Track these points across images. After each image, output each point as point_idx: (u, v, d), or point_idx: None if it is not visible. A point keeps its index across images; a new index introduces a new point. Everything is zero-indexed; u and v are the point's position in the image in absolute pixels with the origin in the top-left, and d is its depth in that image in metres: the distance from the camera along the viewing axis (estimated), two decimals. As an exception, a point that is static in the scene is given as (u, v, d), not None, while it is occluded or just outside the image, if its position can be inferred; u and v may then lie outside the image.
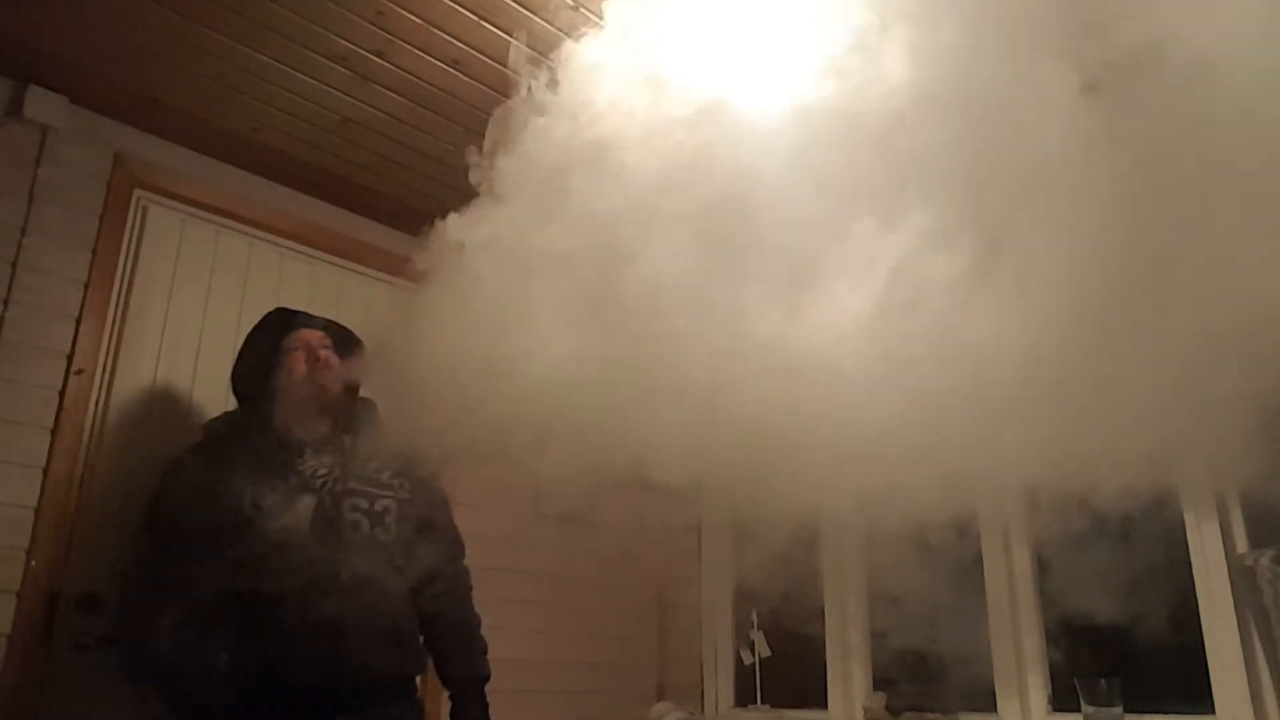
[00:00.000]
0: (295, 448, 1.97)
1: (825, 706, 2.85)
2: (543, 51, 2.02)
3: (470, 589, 2.17)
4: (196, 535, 1.85)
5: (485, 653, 2.11)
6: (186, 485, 1.94)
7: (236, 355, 2.12)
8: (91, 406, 2.22)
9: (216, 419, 2.10)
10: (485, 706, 2.06)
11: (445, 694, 2.13)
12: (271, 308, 2.21)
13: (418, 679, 2.09)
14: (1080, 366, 1.29)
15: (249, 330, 2.15)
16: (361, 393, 2.09)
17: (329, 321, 2.15)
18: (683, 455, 1.46)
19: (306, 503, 1.91)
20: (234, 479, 1.88)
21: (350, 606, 1.85)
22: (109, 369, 2.27)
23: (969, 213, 1.34)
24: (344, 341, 2.09)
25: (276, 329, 2.09)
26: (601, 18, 1.95)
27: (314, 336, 2.06)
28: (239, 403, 2.09)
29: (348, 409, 2.05)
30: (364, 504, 1.96)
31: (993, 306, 1.31)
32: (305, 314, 2.15)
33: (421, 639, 2.08)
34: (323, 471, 1.96)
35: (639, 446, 1.45)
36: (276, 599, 1.80)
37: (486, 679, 2.09)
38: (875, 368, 1.35)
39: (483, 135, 1.70)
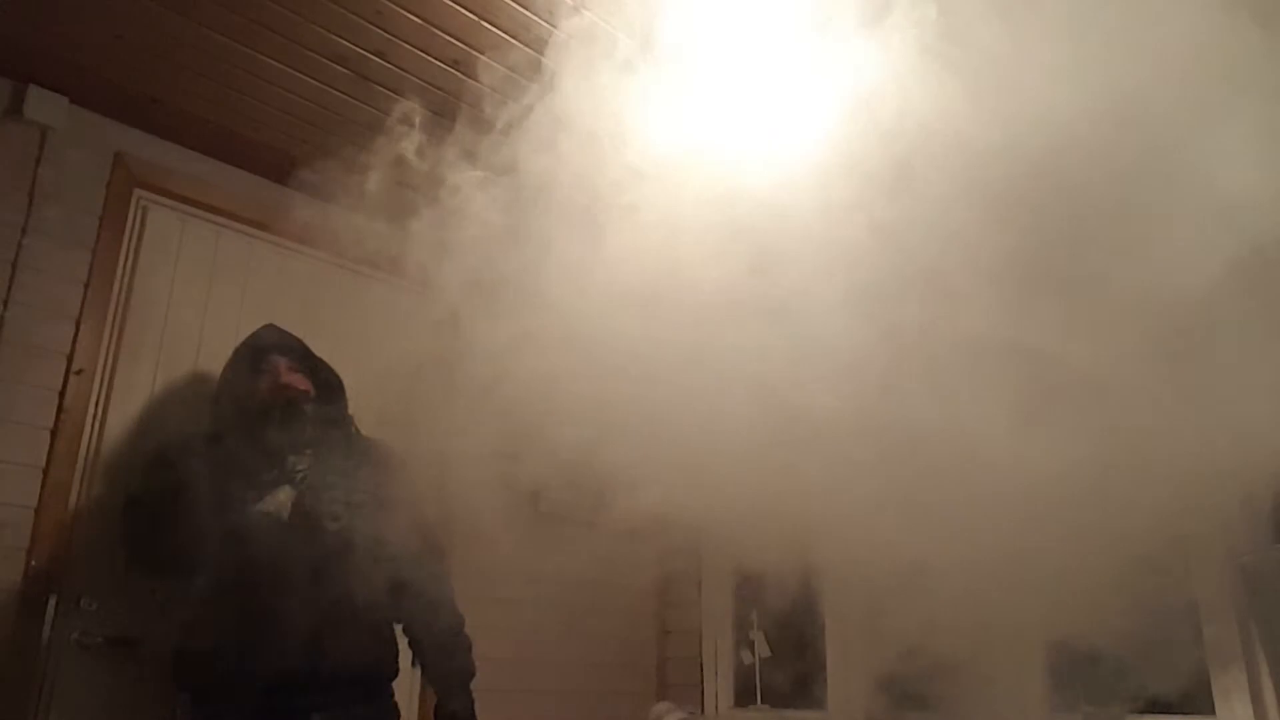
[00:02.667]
0: (274, 449, 2.01)
1: (825, 706, 2.85)
2: (542, 51, 2.02)
3: (451, 588, 2.18)
4: (177, 524, 1.89)
5: (470, 650, 2.12)
6: (168, 475, 1.98)
7: (220, 376, 2.18)
8: (91, 406, 2.23)
9: (194, 432, 2.14)
10: (471, 704, 2.07)
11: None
12: (271, 307, 2.23)
13: (409, 681, 2.10)
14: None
15: (237, 345, 2.20)
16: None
17: (310, 352, 2.21)
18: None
19: (285, 494, 1.97)
20: (214, 472, 1.92)
21: (327, 598, 1.88)
22: (109, 369, 2.27)
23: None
24: (310, 364, 2.17)
25: (253, 351, 2.16)
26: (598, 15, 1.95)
27: (281, 362, 2.12)
28: (216, 418, 2.15)
29: (318, 422, 2.09)
30: (341, 497, 2.00)
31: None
32: (290, 339, 2.20)
33: (407, 640, 2.11)
34: (301, 467, 2.01)
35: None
36: (253, 588, 1.83)
37: (471, 676, 2.09)
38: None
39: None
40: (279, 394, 2.07)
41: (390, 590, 2.04)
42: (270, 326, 2.24)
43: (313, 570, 1.90)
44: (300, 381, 2.11)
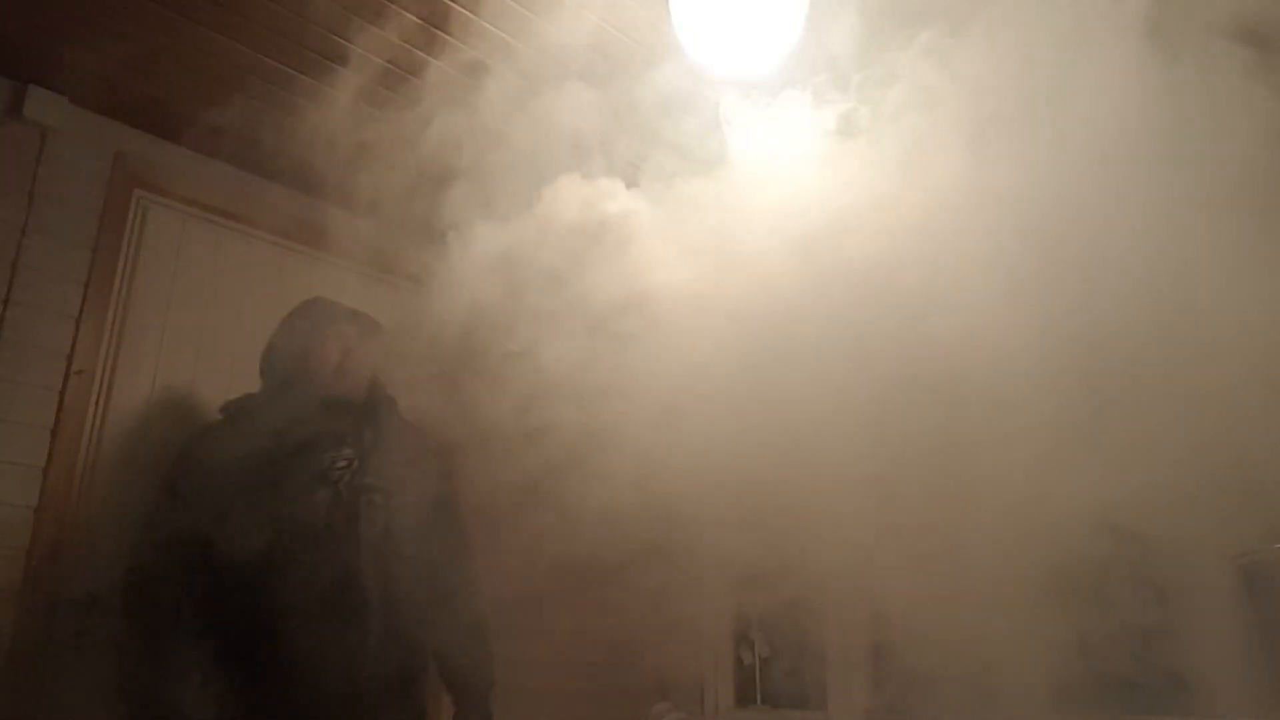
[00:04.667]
0: (316, 438, 1.94)
1: (825, 707, 2.85)
2: (544, 52, 2.02)
3: (479, 591, 2.13)
4: (209, 519, 1.81)
5: (491, 660, 2.07)
6: (202, 466, 1.89)
7: (271, 336, 2.10)
8: (91, 406, 2.22)
9: (236, 400, 2.06)
10: (489, 716, 2.03)
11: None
12: (271, 308, 2.21)
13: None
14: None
15: (286, 316, 2.12)
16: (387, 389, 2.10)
17: (366, 317, 2.13)
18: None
19: (324, 495, 1.89)
20: (251, 465, 1.84)
21: (362, 607, 1.83)
22: (109, 369, 2.27)
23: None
24: (376, 338, 2.09)
25: (313, 318, 2.08)
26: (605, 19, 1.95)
27: (349, 330, 2.05)
28: (264, 382, 2.07)
29: (370, 404, 2.04)
30: (380, 500, 1.93)
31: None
32: (344, 307, 2.13)
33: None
34: (341, 464, 1.94)
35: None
36: (286, 594, 1.77)
37: (491, 685, 2.05)
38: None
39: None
40: (350, 387, 1.99)
41: (423, 601, 1.95)
42: (320, 298, 2.16)
43: (348, 573, 1.81)
44: (363, 355, 2.02)
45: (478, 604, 2.11)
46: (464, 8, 1.99)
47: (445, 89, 2.24)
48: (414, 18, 2.02)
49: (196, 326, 2.44)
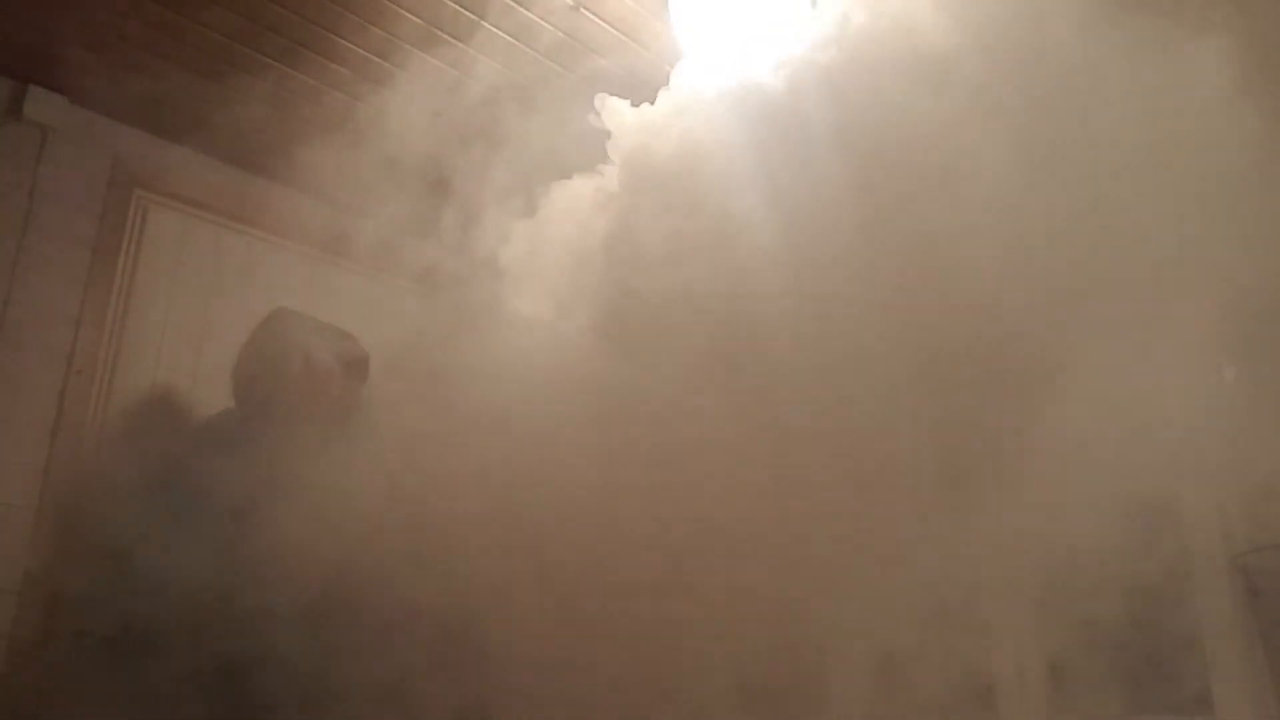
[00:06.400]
0: (291, 454, 1.92)
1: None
2: (543, 53, 2.02)
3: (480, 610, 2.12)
4: (190, 534, 1.84)
5: (485, 685, 2.07)
6: (183, 490, 1.90)
7: (239, 354, 2.11)
8: (91, 406, 2.22)
9: (214, 417, 2.09)
10: None
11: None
12: (271, 308, 2.21)
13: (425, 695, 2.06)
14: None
15: (253, 329, 2.13)
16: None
17: (333, 329, 2.14)
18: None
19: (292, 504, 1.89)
20: (230, 482, 1.85)
21: (341, 621, 1.83)
22: (109, 369, 2.27)
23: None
24: (345, 350, 2.10)
25: (279, 333, 2.09)
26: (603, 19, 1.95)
27: (315, 345, 2.06)
28: (237, 400, 2.08)
29: (343, 414, 2.04)
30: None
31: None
32: (310, 319, 2.14)
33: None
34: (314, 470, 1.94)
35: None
36: (265, 609, 1.78)
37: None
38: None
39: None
40: (322, 402, 1.99)
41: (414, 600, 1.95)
42: (284, 309, 2.16)
43: (329, 588, 1.81)
44: (333, 370, 2.03)
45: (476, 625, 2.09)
46: (463, 7, 1.99)
47: (445, 89, 2.25)
48: (415, 18, 2.02)
49: (196, 326, 2.44)
